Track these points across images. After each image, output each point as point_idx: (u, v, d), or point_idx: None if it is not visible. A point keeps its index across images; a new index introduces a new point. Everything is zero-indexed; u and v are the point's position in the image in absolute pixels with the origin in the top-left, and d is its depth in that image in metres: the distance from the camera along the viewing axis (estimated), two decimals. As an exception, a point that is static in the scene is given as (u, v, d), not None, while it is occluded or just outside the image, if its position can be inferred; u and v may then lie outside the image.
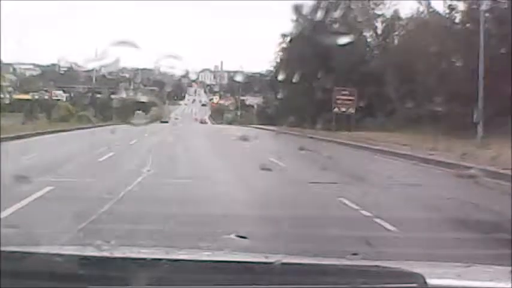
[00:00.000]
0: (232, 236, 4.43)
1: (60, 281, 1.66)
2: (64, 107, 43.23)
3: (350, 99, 34.58)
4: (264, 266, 1.74)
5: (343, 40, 32.26)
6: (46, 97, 45.19)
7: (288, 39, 42.65)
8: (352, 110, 34.57)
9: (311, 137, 24.89)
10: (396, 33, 39.74)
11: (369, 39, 40.73)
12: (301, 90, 36.60)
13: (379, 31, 40.54)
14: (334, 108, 34.44)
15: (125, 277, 1.64)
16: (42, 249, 1.94)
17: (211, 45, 76.37)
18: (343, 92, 34.70)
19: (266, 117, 45.09)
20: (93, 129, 31.71)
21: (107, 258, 1.80)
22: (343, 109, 34.54)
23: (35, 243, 2.46)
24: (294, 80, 35.00)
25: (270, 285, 1.67)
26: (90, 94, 47.73)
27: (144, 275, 1.65)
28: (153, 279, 1.64)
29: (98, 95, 47.54)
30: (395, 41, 39.74)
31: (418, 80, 28.99)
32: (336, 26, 38.00)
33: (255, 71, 54.89)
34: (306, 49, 36.21)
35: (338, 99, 34.64)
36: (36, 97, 44.56)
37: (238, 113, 52.80)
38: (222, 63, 58.45)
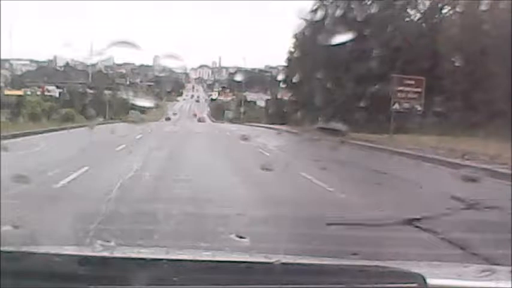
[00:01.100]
0: (232, 236, 4.28)
1: (60, 281, 1.71)
2: (35, 104, 39.64)
3: (416, 92, 26.28)
4: (264, 266, 1.79)
5: (378, 18, 27.97)
6: (38, 93, 45.18)
7: (306, 24, 36.43)
8: (418, 107, 26.26)
9: (383, 150, 17.87)
10: (445, 11, 32.58)
11: (407, 19, 33.58)
12: (327, 83, 30.77)
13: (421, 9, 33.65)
14: (394, 104, 26.06)
15: (125, 277, 1.69)
16: (42, 249, 1.99)
17: (209, 42, 76.54)
18: (407, 82, 26.39)
19: (275, 116, 42.02)
20: (62, 131, 25.57)
21: (107, 258, 1.85)
22: (406, 105, 26.27)
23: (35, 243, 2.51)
24: (314, 71, 30.41)
25: (270, 285, 1.72)
26: (81, 90, 47.50)
27: (144, 275, 1.70)
28: (153, 279, 1.70)
29: (90, 91, 47.28)
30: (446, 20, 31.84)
31: (477, 71, 23.40)
32: (368, 3, 32.50)
33: (253, 67, 54.82)
34: (333, 31, 29.62)
35: (399, 91, 26.30)
36: (28, 93, 44.53)
37: (242, 110, 50.14)
38: (220, 58, 58.54)
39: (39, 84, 46.33)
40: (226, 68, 57.61)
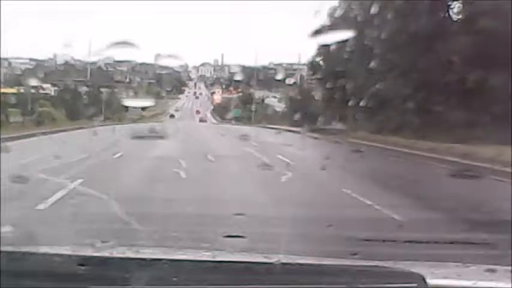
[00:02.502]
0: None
1: (60, 281, 1.78)
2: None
3: None
4: (264, 266, 1.85)
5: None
6: (33, 91, 45.20)
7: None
8: None
9: None
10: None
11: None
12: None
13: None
14: None
15: (125, 277, 1.76)
16: (42, 249, 2.07)
17: (211, 40, 76.47)
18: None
19: (300, 116, 36.11)
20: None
21: (107, 258, 1.92)
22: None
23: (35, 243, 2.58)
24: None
25: (270, 285, 1.79)
26: (78, 88, 47.24)
27: (144, 275, 1.76)
28: (153, 279, 1.76)
29: (87, 89, 47.01)
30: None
31: None
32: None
33: (256, 64, 54.32)
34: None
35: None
36: (22, 91, 44.57)
37: (253, 108, 46.51)
38: (222, 56, 58.42)
39: (36, 82, 46.35)
40: (229, 66, 57.49)
